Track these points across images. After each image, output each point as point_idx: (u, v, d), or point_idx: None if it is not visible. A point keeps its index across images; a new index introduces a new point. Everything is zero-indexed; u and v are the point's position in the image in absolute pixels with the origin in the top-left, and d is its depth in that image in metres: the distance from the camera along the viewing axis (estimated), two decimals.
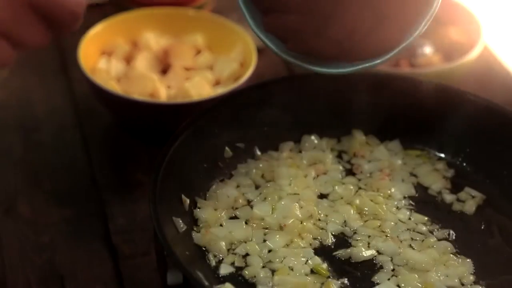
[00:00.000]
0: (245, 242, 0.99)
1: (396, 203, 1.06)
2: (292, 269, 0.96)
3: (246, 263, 0.98)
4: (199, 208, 1.03)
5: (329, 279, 0.96)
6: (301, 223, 1.01)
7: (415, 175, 1.10)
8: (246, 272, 0.96)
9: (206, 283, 0.93)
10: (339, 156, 1.13)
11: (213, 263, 0.97)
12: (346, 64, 0.95)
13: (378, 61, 0.94)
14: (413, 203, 1.06)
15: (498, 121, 1.09)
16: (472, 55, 1.30)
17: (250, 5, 0.97)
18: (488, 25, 1.36)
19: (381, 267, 0.98)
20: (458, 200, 1.07)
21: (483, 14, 1.38)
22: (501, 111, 1.10)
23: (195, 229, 1.01)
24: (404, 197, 1.07)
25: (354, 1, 0.93)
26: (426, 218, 1.04)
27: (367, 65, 0.94)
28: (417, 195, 1.08)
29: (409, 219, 1.04)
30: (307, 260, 0.98)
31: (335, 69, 0.95)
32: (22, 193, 1.18)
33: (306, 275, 0.96)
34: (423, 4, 0.90)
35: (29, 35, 0.86)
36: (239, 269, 0.97)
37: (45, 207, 1.16)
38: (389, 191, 1.07)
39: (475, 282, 0.96)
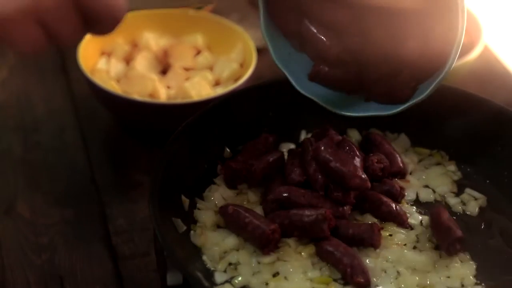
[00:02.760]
0: (237, 251, 0.97)
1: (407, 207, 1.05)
2: (287, 279, 0.94)
3: (237, 271, 0.96)
4: (198, 209, 1.03)
5: (332, 282, 0.94)
6: None
7: (424, 177, 1.09)
8: (236, 282, 0.94)
9: (206, 284, 0.92)
10: None
11: (209, 266, 0.96)
12: (360, 109, 1.06)
13: (384, 113, 1.05)
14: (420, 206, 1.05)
15: (499, 121, 1.09)
16: (473, 55, 1.29)
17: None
18: (488, 25, 1.36)
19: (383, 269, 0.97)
20: (461, 202, 1.06)
21: (483, 14, 1.38)
22: (502, 111, 1.09)
23: (192, 228, 1.00)
24: (415, 200, 1.06)
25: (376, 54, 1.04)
26: None
27: (374, 113, 1.06)
28: (434, 200, 1.06)
29: (421, 224, 1.02)
30: (306, 272, 0.95)
31: (349, 113, 1.06)
32: (22, 194, 1.18)
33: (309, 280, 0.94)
34: (431, 73, 1.02)
35: (66, 29, 0.85)
36: (233, 277, 0.95)
37: (44, 207, 1.16)
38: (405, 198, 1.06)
39: (477, 284, 0.96)
